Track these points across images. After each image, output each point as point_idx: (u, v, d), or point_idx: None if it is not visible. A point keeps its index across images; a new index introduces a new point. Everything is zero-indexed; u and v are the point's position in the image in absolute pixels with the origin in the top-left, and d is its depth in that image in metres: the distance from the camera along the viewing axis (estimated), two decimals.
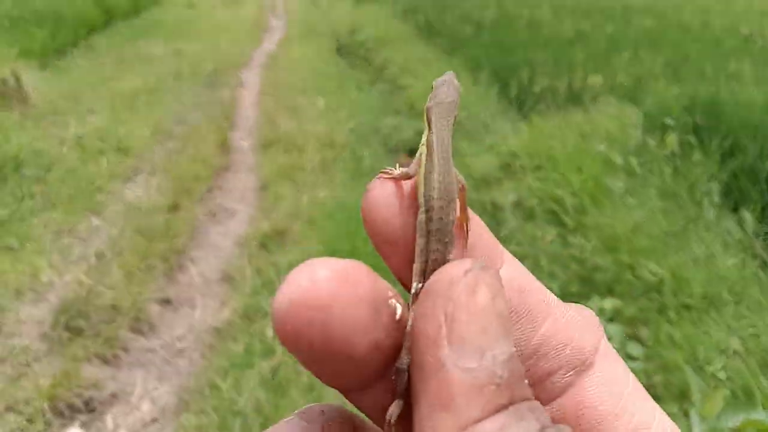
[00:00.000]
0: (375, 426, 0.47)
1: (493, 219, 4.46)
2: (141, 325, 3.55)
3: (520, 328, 0.46)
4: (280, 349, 3.31)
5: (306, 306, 0.37)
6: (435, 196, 0.46)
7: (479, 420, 0.36)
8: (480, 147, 5.59)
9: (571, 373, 0.46)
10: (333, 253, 3.82)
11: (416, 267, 0.45)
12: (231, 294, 3.86)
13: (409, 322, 0.42)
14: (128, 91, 7.79)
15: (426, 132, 0.50)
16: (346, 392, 0.44)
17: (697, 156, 4.85)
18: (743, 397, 2.72)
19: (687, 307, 3.43)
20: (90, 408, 3.00)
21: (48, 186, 5.06)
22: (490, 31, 10.75)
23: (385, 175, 0.47)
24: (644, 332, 3.31)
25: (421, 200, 0.46)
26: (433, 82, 0.54)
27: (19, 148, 5.48)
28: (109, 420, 2.95)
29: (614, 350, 0.49)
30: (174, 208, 4.88)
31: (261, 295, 3.77)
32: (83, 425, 2.92)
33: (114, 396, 3.08)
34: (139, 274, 3.95)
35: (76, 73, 8.73)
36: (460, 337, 0.37)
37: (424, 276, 0.45)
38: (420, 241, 0.45)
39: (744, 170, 4.63)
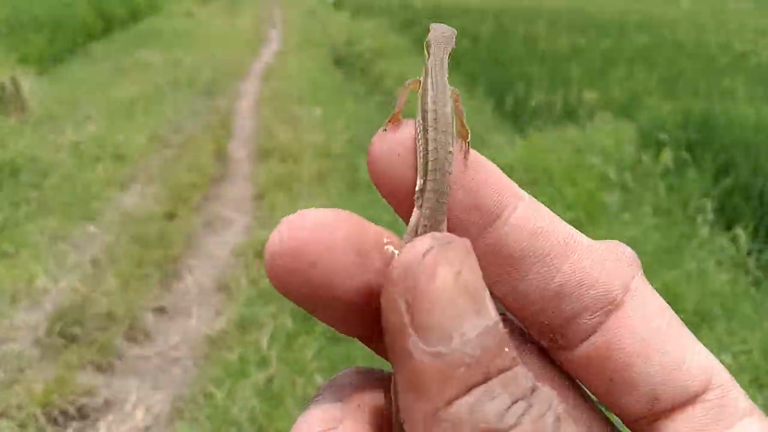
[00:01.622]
0: None
1: None
2: (136, 333, 3.55)
3: (536, 271, 0.45)
4: (274, 359, 3.32)
5: (286, 253, 0.39)
6: (429, 106, 0.48)
7: (450, 402, 0.36)
8: None
9: (598, 314, 0.45)
10: None
11: (419, 164, 0.47)
12: (226, 303, 3.87)
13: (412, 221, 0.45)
14: (125, 99, 7.81)
15: (425, 60, 0.53)
16: (366, 342, 0.45)
17: (691, 172, 4.90)
18: None
19: None
20: (83, 415, 3.00)
21: (44, 192, 5.06)
22: (486, 45, 10.82)
23: (388, 125, 0.48)
24: None
25: (418, 117, 0.48)
26: (429, 25, 0.56)
27: (15, 154, 5.48)
28: (102, 428, 2.95)
29: (650, 288, 0.47)
30: (170, 216, 4.89)
31: (256, 305, 3.77)
32: None
33: (108, 403, 3.08)
34: (134, 282, 3.95)
35: (73, 80, 8.74)
36: (425, 324, 0.37)
37: (426, 172, 0.46)
38: (420, 141, 0.47)
39: (737, 187, 4.67)
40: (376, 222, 0.46)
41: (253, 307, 3.77)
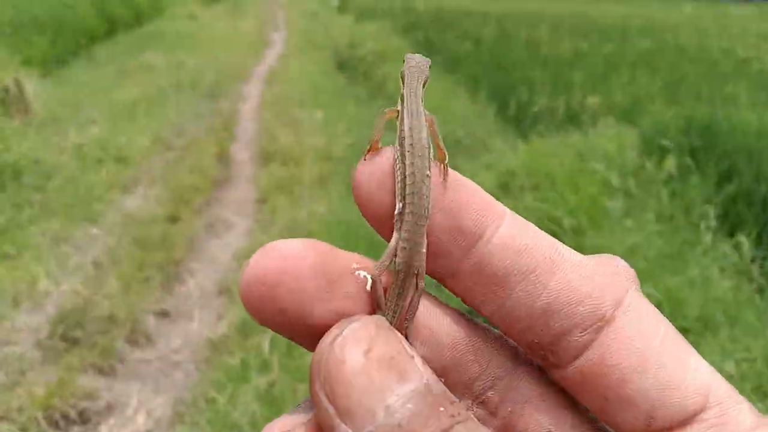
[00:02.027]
0: None
1: None
2: (137, 337, 3.55)
3: (521, 289, 0.45)
4: (276, 364, 3.32)
5: (258, 284, 0.41)
6: (406, 133, 0.50)
7: None
8: (478, 165, 5.62)
9: (588, 330, 0.44)
10: None
11: (397, 188, 0.48)
12: (228, 307, 3.87)
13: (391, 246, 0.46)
14: (128, 101, 7.82)
15: (401, 89, 0.55)
16: None
17: (694, 179, 4.89)
18: None
19: (682, 330, 3.43)
20: (85, 419, 3.00)
21: (47, 194, 5.06)
22: (489, 49, 10.82)
23: (368, 154, 0.50)
24: None
25: (396, 144, 0.50)
26: (405, 56, 0.59)
27: (18, 156, 5.49)
28: (103, 431, 2.94)
29: (645, 301, 0.46)
30: (172, 219, 4.89)
31: None
32: None
33: (109, 407, 3.07)
34: (136, 284, 3.95)
35: (76, 82, 8.75)
36: (347, 410, 0.37)
37: (404, 195, 0.47)
38: (398, 168, 0.48)
39: (740, 194, 4.67)
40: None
41: None
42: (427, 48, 11.40)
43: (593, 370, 0.43)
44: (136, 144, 6.33)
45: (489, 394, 0.45)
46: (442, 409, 0.37)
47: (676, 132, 5.60)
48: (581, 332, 0.44)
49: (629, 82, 8.41)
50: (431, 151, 0.49)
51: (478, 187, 0.47)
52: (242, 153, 6.71)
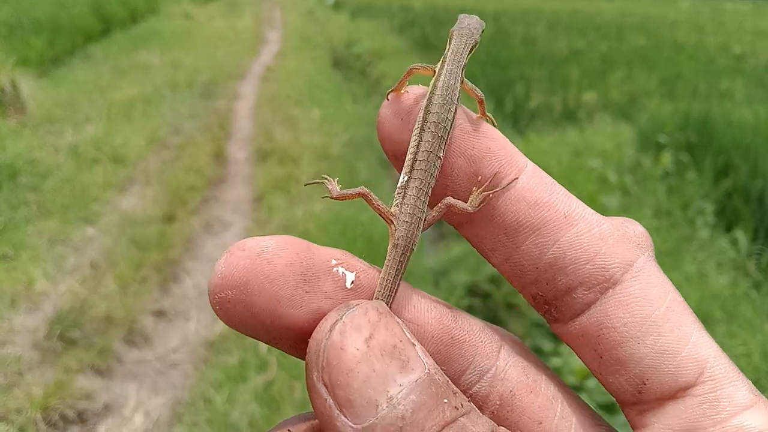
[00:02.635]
0: None
1: None
2: (135, 337, 3.55)
3: (531, 242, 0.44)
4: (274, 364, 3.31)
5: (227, 286, 0.39)
6: (437, 97, 0.49)
7: None
8: None
9: (593, 290, 0.43)
10: None
11: (406, 159, 0.47)
12: None
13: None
14: (124, 101, 7.80)
15: (445, 52, 0.53)
16: None
17: (690, 174, 4.90)
18: None
19: None
20: (83, 419, 2.99)
21: (43, 195, 5.05)
22: (485, 46, 10.82)
23: (390, 95, 0.50)
24: None
25: (424, 103, 0.49)
26: (459, 16, 0.57)
27: (15, 156, 5.48)
28: None
29: (656, 269, 0.45)
30: (169, 218, 4.88)
31: None
32: None
33: (107, 408, 3.07)
34: (133, 285, 3.95)
35: (72, 82, 8.73)
36: (347, 400, 0.35)
37: (412, 168, 0.46)
38: (414, 134, 0.47)
39: (737, 189, 4.67)
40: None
41: None
42: (423, 46, 11.40)
43: (592, 329, 0.43)
44: (132, 143, 6.32)
45: (476, 387, 0.44)
46: (445, 400, 0.36)
47: (672, 128, 5.61)
48: (586, 290, 0.44)
49: (625, 78, 8.42)
50: (451, 130, 0.48)
51: (506, 140, 0.47)
52: (239, 152, 6.70)
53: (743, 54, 10.49)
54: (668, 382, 0.43)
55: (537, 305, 0.46)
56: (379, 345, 0.36)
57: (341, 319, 0.37)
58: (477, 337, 0.45)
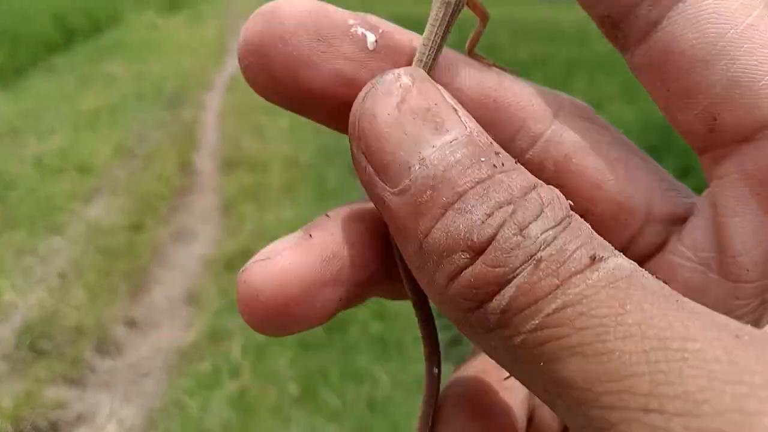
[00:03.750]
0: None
1: None
2: (106, 346, 3.52)
3: None
4: (247, 369, 3.32)
5: (248, 53, 0.39)
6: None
7: (427, 234, 0.33)
8: None
9: (657, 4, 0.36)
10: None
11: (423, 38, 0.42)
12: (196, 314, 3.85)
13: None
14: (89, 111, 7.72)
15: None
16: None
17: None
18: None
19: None
20: (55, 429, 2.96)
21: (8, 206, 4.98)
22: None
23: None
24: None
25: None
26: None
27: None
28: None
29: None
30: (137, 227, 4.85)
31: (227, 316, 3.76)
32: None
33: (79, 417, 3.04)
34: (103, 294, 3.91)
35: (36, 94, 8.61)
36: (382, 166, 0.34)
37: (427, 47, 0.41)
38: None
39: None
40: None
41: (223, 317, 3.75)
42: None
43: (658, 55, 0.37)
44: (98, 153, 6.26)
45: (529, 154, 0.40)
46: (482, 158, 0.33)
47: (636, 132, 5.74)
48: (650, 5, 0.37)
49: (589, 84, 8.57)
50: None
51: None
52: (207, 161, 6.67)
53: None
54: (742, 116, 0.35)
55: (605, 30, 0.40)
56: (410, 109, 0.34)
57: (373, 86, 0.36)
58: (527, 100, 0.40)
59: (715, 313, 0.29)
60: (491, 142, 0.34)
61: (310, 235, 0.39)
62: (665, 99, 0.39)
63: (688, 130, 0.39)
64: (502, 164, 0.33)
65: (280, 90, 0.38)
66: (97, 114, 7.62)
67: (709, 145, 0.38)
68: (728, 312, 0.36)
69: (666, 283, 0.31)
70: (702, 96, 0.36)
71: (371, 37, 0.39)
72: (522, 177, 0.33)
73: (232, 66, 12.21)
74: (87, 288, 3.94)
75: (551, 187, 0.33)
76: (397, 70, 0.37)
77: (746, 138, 0.35)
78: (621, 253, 0.32)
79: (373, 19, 0.40)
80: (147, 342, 3.63)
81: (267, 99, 0.40)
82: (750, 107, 0.35)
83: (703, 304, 0.30)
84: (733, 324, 0.28)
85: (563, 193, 0.35)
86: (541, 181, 0.33)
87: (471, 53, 0.44)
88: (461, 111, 0.35)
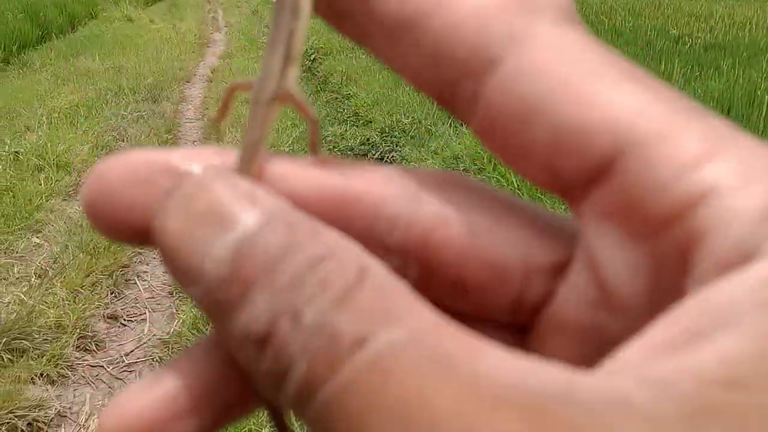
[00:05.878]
0: None
1: None
2: (87, 343, 3.49)
3: (408, 38, 0.34)
4: None
5: (91, 209, 0.36)
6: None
7: (227, 333, 0.31)
8: (425, 152, 5.67)
9: (472, 78, 0.34)
10: None
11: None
12: (180, 306, 3.83)
13: None
14: (66, 107, 7.63)
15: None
16: None
17: None
18: None
19: None
20: (35, 429, 2.94)
21: None
22: None
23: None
24: None
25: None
26: None
27: None
28: None
29: (562, 31, 0.32)
30: None
31: None
32: None
33: (61, 415, 3.02)
34: (83, 291, 3.88)
35: (10, 90, 8.51)
36: (184, 276, 0.31)
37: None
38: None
39: None
40: None
41: None
42: None
43: (485, 124, 0.34)
44: (76, 150, 6.19)
45: (391, 238, 0.36)
46: (270, 242, 0.30)
47: None
48: (471, 82, 0.34)
49: None
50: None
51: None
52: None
53: (680, 35, 10.78)
54: (576, 161, 0.33)
55: (442, 104, 0.37)
56: (196, 213, 0.32)
57: (166, 198, 0.33)
58: (380, 186, 0.37)
59: (534, 373, 0.25)
60: (302, 221, 0.30)
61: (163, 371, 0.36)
62: (506, 160, 0.35)
63: (540, 183, 0.35)
64: (293, 243, 0.29)
65: (128, 234, 0.37)
66: (74, 110, 7.54)
67: (563, 193, 0.35)
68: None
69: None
70: (536, 153, 0.34)
71: (197, 168, 0.35)
72: (315, 247, 0.29)
73: (211, 58, 12.12)
74: (67, 285, 3.90)
75: (349, 245, 0.29)
76: (192, 175, 0.33)
77: (591, 179, 0.33)
78: (425, 309, 0.28)
79: (206, 151, 0.35)
80: (129, 336, 3.61)
81: (116, 241, 0.38)
82: (580, 149, 0.32)
83: (607, 344, 0.28)
84: (551, 388, 0.24)
85: (432, 268, 0.33)
86: (338, 246, 0.29)
87: (314, 152, 0.38)
88: (259, 192, 0.31)
